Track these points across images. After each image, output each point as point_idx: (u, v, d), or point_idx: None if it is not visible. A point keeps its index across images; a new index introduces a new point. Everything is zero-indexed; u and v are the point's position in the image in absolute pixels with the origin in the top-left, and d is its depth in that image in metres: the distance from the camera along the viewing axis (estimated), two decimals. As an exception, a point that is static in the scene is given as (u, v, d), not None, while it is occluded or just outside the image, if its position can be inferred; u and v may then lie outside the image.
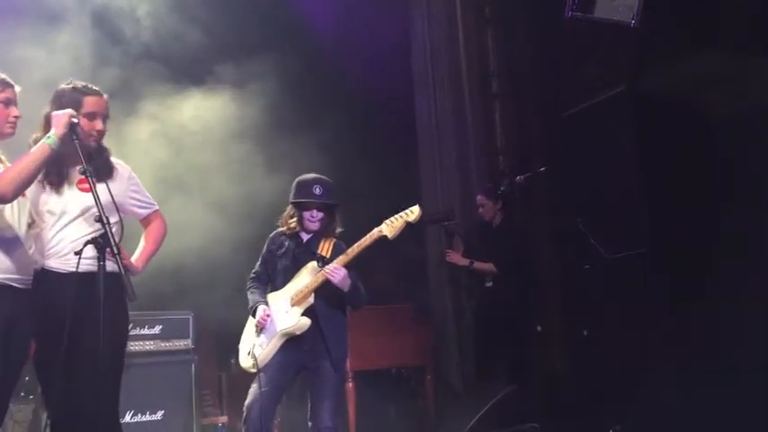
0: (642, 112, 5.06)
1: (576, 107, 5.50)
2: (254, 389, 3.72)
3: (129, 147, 4.91)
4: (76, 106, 3.11)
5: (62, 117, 2.98)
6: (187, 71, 5.84)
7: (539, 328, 5.81)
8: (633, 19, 4.57)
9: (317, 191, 3.81)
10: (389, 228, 3.63)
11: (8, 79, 3.09)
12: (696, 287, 4.68)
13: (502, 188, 6.07)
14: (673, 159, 4.84)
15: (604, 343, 5.13)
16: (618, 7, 4.63)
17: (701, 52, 4.80)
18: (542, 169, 5.64)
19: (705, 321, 4.57)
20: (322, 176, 3.90)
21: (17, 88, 3.11)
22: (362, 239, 3.69)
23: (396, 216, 3.66)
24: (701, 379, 4.43)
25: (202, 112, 5.79)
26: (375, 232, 3.66)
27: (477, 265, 5.71)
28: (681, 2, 4.89)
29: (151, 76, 5.57)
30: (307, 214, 3.86)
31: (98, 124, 3.17)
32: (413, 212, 3.64)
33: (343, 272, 3.65)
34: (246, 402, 3.71)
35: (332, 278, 3.64)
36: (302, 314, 3.74)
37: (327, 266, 3.67)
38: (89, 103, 3.16)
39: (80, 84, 3.21)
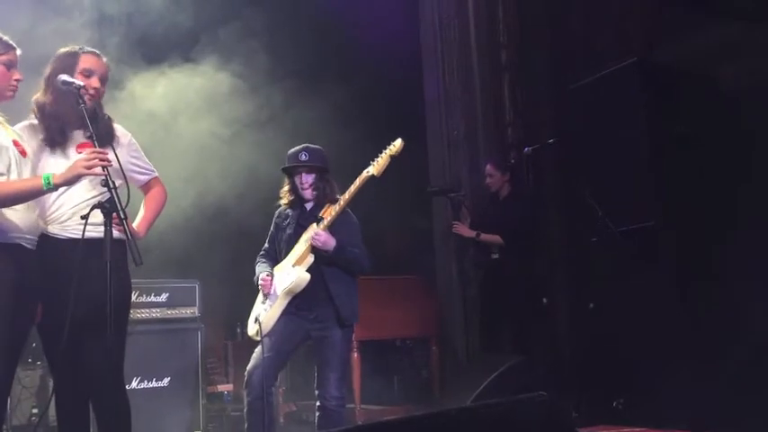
0: (653, 83, 5.00)
1: (586, 79, 5.44)
2: (256, 354, 3.74)
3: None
4: (72, 67, 3.09)
5: (76, 169, 2.85)
6: (175, 43, 5.76)
7: (545, 301, 5.81)
8: (646, -12, 4.50)
9: (303, 157, 3.85)
10: (376, 167, 3.69)
11: (10, 41, 3.04)
12: (704, 261, 4.67)
13: (512, 160, 6.03)
14: (683, 132, 4.80)
15: (610, 316, 5.13)
16: (631, -24, 4.56)
17: (714, 24, 4.74)
18: (551, 141, 5.60)
19: (713, 295, 4.56)
20: (311, 145, 3.93)
21: (18, 51, 3.06)
22: (352, 185, 3.73)
23: (380, 154, 3.72)
24: (708, 352, 4.43)
25: (201, 80, 5.75)
26: (363, 174, 3.71)
27: (484, 236, 5.69)
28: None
29: (136, 51, 5.50)
30: (297, 180, 3.89)
31: (94, 82, 3.12)
32: (395, 146, 3.71)
33: (324, 235, 3.66)
34: (248, 368, 3.73)
35: (315, 243, 3.67)
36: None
37: (310, 233, 3.70)
38: (84, 60, 3.13)
39: (78, 46, 3.19)
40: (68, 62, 3.11)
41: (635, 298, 4.97)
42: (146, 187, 3.44)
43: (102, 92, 3.20)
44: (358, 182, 3.71)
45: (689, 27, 4.94)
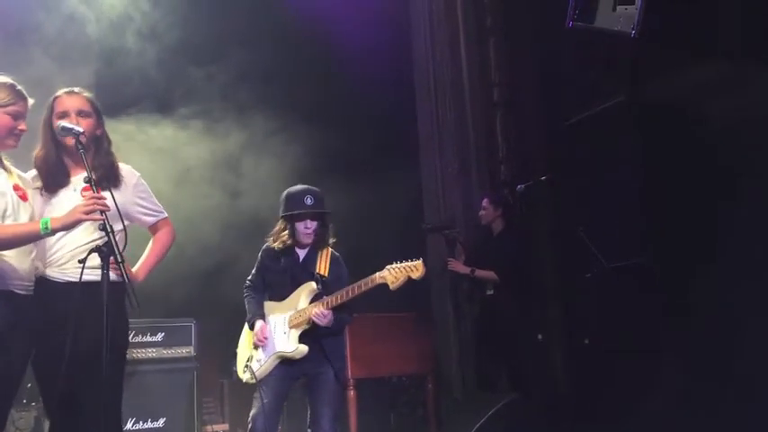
0: (642, 121, 5.08)
1: (577, 116, 5.52)
2: (256, 400, 3.74)
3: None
4: (50, 115, 3.14)
5: (75, 214, 2.88)
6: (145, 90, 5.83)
7: (539, 337, 5.81)
8: (634, 29, 4.58)
9: (309, 201, 3.78)
10: (391, 278, 3.55)
11: (23, 92, 3.08)
12: (696, 296, 4.69)
13: (510, 198, 6.09)
14: (673, 168, 4.86)
15: (605, 352, 5.13)
16: (618, 17, 4.64)
17: (700, 62, 4.82)
18: (543, 178, 5.66)
19: (705, 330, 4.57)
20: (311, 187, 3.87)
21: (30, 101, 3.10)
22: (363, 282, 3.64)
23: (398, 266, 3.57)
24: (702, 388, 4.43)
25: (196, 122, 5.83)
26: (376, 278, 3.60)
27: (479, 273, 5.72)
28: (681, 12, 4.91)
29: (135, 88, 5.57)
30: (300, 226, 3.82)
31: (72, 120, 3.10)
32: (417, 269, 3.53)
33: (329, 315, 3.66)
34: (251, 414, 3.73)
35: (319, 323, 3.67)
36: (300, 335, 3.76)
37: (315, 309, 3.67)
38: (58, 103, 3.16)
39: (57, 92, 3.20)
40: (47, 114, 3.16)
41: (629, 333, 4.98)
42: (153, 228, 3.43)
43: (90, 124, 3.14)
44: (368, 285, 3.62)
45: (676, 64, 5.02)
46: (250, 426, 3.70)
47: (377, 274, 3.60)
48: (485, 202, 5.94)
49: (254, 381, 3.77)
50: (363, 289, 3.62)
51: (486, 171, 6.65)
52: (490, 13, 6.91)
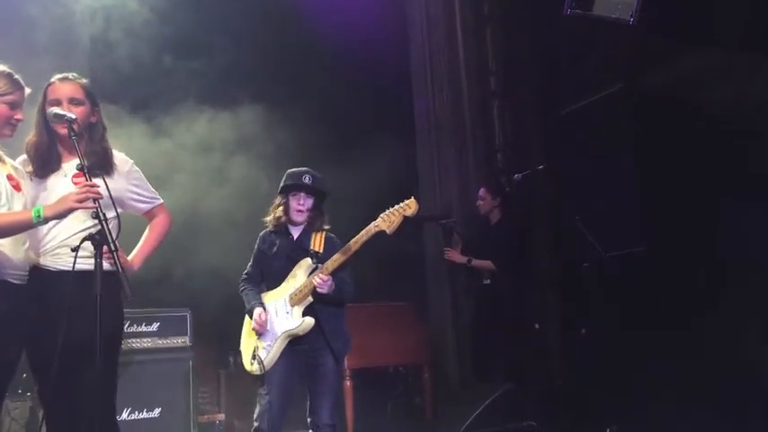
0: (640, 109, 5.06)
1: (575, 105, 5.50)
2: (261, 398, 3.69)
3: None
4: (43, 104, 3.09)
5: (67, 202, 2.85)
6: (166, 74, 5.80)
7: (536, 326, 5.81)
8: (632, 17, 4.56)
9: (306, 179, 3.81)
10: (386, 222, 3.56)
11: (21, 81, 3.05)
12: (693, 285, 4.69)
13: (507, 188, 6.08)
14: (671, 157, 4.85)
15: (602, 341, 5.13)
16: (617, 5, 4.62)
17: (698, 50, 4.81)
18: (541, 167, 5.64)
19: (703, 319, 4.57)
20: (312, 170, 3.89)
21: (27, 90, 3.07)
22: (359, 236, 3.62)
23: (392, 210, 3.58)
24: (699, 378, 4.43)
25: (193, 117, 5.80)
26: (372, 227, 3.59)
27: (476, 262, 5.71)
28: (679, 1, 4.90)
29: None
30: (294, 202, 3.83)
31: (64, 108, 3.05)
32: (409, 207, 3.56)
33: (330, 281, 3.63)
34: (256, 413, 3.68)
35: (321, 290, 3.62)
36: (303, 312, 3.72)
37: (315, 276, 3.64)
38: (50, 91, 3.12)
39: (51, 79, 3.16)
40: (41, 100, 3.12)
41: (626, 323, 4.98)
42: (149, 215, 3.41)
43: (83, 112, 3.11)
44: (365, 236, 3.59)
45: (674, 53, 5.01)
46: (256, 425, 3.65)
47: (371, 224, 3.59)
48: (482, 192, 5.92)
49: (263, 371, 3.72)
50: (360, 243, 3.60)
51: (483, 160, 6.64)
52: (487, 1, 6.89)
